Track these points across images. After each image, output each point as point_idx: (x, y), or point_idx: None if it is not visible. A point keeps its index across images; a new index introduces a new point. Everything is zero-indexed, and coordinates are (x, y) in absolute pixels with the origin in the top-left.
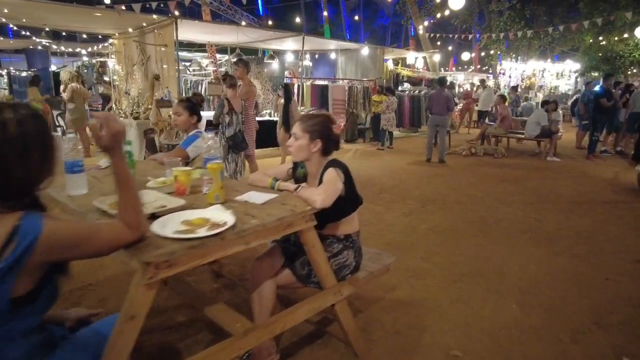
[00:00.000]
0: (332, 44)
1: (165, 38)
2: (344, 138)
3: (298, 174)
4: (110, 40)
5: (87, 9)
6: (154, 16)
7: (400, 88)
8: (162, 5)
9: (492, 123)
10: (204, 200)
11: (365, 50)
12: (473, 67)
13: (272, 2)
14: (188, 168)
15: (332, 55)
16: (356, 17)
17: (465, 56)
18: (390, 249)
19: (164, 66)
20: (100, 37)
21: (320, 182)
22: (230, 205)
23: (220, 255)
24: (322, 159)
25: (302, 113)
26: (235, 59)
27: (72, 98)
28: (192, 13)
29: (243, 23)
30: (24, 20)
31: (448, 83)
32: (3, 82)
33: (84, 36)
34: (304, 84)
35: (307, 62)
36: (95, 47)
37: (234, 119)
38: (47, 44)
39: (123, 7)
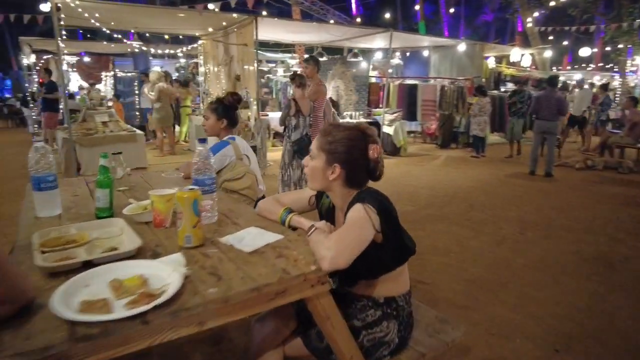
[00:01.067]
0: (424, 41)
1: (246, 37)
2: (436, 143)
3: (322, 205)
4: (200, 42)
5: (172, 9)
6: (234, 15)
7: (503, 88)
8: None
9: (617, 131)
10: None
11: (462, 47)
12: (593, 65)
13: (366, 0)
14: (175, 191)
15: (425, 53)
16: (452, 11)
17: (585, 52)
18: (472, 289)
19: (244, 66)
20: (192, 38)
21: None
22: (205, 254)
23: (149, 344)
24: (348, 190)
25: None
26: (305, 57)
27: (159, 98)
28: (282, 13)
29: (331, 21)
30: (112, 23)
31: (560, 84)
32: (109, 82)
33: (180, 37)
34: (390, 84)
35: (397, 61)
36: (186, 49)
37: (301, 121)
38: (145, 47)
39: (214, 7)
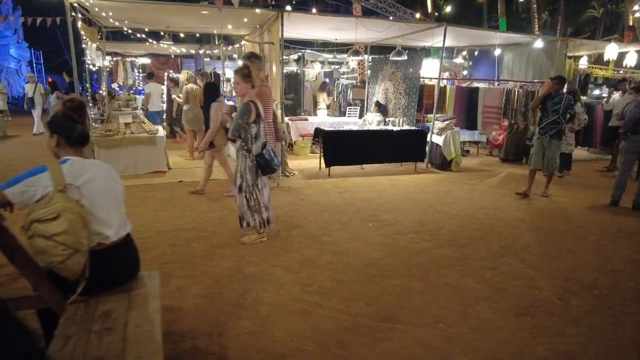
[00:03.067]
0: (491, 37)
1: (274, 35)
2: (501, 156)
3: None
4: (242, 42)
5: (193, 6)
6: (257, 10)
7: (596, 92)
8: (294, 2)
9: None
10: None
11: (539, 44)
12: None
13: None
14: None
15: (497, 52)
16: (532, 3)
17: None
18: None
19: (274, 67)
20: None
21: None
22: None
23: None
24: None
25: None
26: (248, 55)
27: (187, 99)
28: (341, 11)
29: (390, 18)
30: (140, 25)
31: None
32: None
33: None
34: (447, 87)
35: (460, 60)
36: (229, 48)
37: (262, 128)
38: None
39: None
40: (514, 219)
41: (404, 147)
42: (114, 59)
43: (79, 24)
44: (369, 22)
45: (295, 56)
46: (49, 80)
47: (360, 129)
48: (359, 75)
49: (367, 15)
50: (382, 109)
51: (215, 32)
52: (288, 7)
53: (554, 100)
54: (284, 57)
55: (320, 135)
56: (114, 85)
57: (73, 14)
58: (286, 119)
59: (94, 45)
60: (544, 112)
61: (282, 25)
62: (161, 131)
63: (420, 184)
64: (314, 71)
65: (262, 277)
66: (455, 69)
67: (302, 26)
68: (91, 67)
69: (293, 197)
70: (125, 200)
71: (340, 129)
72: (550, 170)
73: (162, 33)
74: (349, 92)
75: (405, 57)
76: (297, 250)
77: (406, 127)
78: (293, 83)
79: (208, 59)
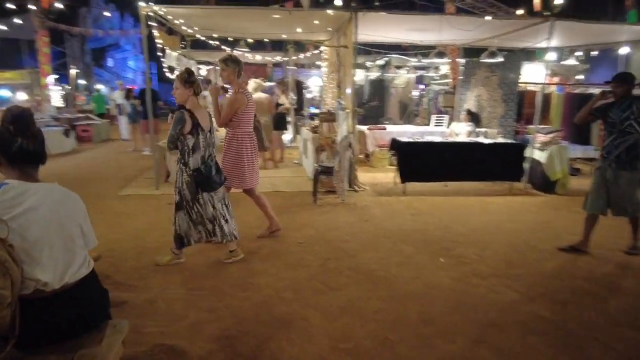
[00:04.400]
0: (615, 33)
1: (349, 38)
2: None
3: None
4: (321, 47)
5: (265, 10)
6: (329, 12)
7: None
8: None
9: None
10: None
11: None
12: None
13: None
14: None
15: (622, 51)
16: None
17: None
18: None
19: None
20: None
21: None
22: None
23: None
24: None
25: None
26: (224, 58)
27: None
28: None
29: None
30: (212, 32)
31: None
32: None
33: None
34: (553, 93)
35: (572, 62)
36: (307, 55)
37: (202, 140)
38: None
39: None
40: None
41: (496, 163)
42: (207, 67)
43: (157, 33)
44: (456, 20)
45: (381, 62)
46: (127, 87)
47: (444, 140)
48: (452, 80)
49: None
50: (474, 118)
51: (291, 37)
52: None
53: (621, 106)
54: (369, 62)
55: (396, 147)
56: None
57: (150, 23)
58: (363, 127)
59: (174, 54)
60: (607, 127)
61: (355, 27)
62: None
63: (515, 210)
64: (403, 77)
65: (291, 322)
66: (568, 73)
67: (379, 27)
68: (169, 75)
69: (355, 217)
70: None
71: (420, 140)
72: (632, 213)
73: (239, 41)
74: (439, 99)
75: (501, 59)
76: (341, 287)
77: (500, 139)
78: (377, 89)
79: (294, 67)
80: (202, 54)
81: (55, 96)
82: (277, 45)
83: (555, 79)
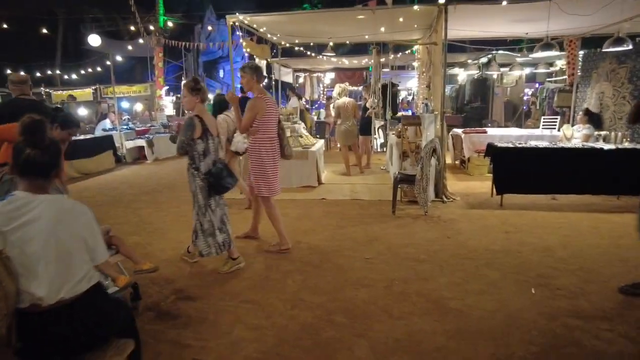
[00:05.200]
0: None
1: (439, 34)
2: None
3: None
4: (416, 47)
5: (349, 11)
6: (415, 7)
7: None
8: None
9: None
10: None
11: None
12: None
13: None
14: None
15: None
16: None
17: None
18: None
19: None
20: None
21: None
22: None
23: None
24: None
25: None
26: (243, 66)
27: (338, 114)
28: None
29: None
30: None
31: None
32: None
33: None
34: None
35: None
36: (397, 56)
37: (211, 145)
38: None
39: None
40: None
41: (621, 174)
42: (304, 74)
43: (244, 42)
44: (570, 4)
45: (484, 59)
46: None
47: (551, 145)
48: (568, 76)
49: None
50: (593, 118)
51: (380, 39)
52: None
53: None
54: (471, 60)
55: (492, 153)
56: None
57: (239, 32)
58: (459, 131)
59: (262, 62)
60: None
61: (445, 21)
62: (317, 146)
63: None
64: (511, 76)
65: (335, 354)
66: None
67: (476, 21)
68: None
69: (436, 233)
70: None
71: (522, 145)
72: None
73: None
74: (555, 98)
75: (630, 47)
76: (403, 316)
77: (627, 144)
78: (479, 89)
79: (388, 69)
80: (296, 62)
81: (169, 106)
82: (364, 49)
83: None
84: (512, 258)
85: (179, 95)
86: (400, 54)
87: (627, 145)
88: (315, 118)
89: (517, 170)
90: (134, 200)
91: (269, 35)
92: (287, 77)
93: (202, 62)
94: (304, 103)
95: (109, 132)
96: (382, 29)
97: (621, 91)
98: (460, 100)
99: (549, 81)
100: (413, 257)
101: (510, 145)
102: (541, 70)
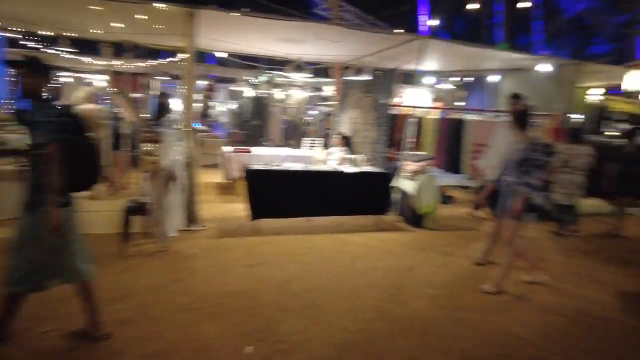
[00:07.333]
0: (488, 59)
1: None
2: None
3: None
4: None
5: None
6: (157, 5)
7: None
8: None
9: None
10: None
11: (543, 67)
12: None
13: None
14: None
15: (492, 79)
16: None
17: None
18: None
19: None
20: None
21: None
22: None
23: None
24: None
25: None
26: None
27: None
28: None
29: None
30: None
31: None
32: None
33: None
34: (426, 117)
35: (448, 86)
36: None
37: None
38: None
39: None
40: (512, 336)
41: (360, 195)
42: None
43: None
44: (321, 29)
45: (264, 78)
46: None
47: (301, 168)
48: (338, 101)
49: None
50: (348, 142)
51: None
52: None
53: None
54: (251, 78)
55: (247, 176)
56: None
57: None
58: (229, 149)
59: None
60: None
61: (192, 26)
62: None
63: (375, 251)
64: (293, 97)
65: None
66: (449, 98)
67: (238, 34)
68: None
69: (167, 276)
70: None
71: (276, 167)
72: None
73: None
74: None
75: (369, 77)
76: None
77: (367, 167)
78: (259, 108)
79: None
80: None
81: None
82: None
83: (439, 104)
84: (244, 300)
85: None
86: (168, 60)
87: (366, 168)
88: None
89: (270, 193)
90: None
91: None
92: None
93: None
94: None
95: None
96: (122, 25)
97: (368, 117)
98: (240, 117)
99: (320, 105)
100: (117, 318)
101: (263, 167)
102: (315, 93)
